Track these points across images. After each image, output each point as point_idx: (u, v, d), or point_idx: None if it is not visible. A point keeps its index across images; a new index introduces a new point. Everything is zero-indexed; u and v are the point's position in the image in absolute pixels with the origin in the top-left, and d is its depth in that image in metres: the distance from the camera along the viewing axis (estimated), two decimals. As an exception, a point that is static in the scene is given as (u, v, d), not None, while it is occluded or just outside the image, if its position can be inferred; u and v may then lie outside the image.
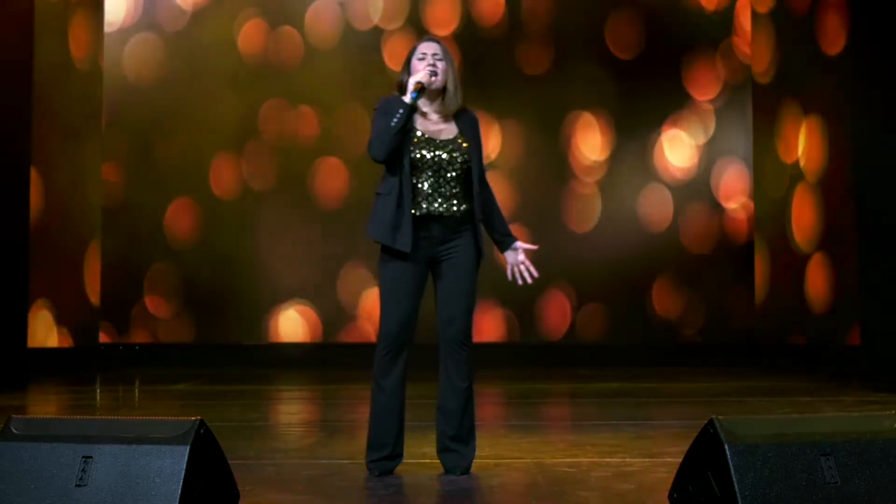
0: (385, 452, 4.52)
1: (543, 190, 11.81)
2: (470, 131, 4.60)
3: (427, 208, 4.48)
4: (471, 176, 4.55)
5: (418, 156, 4.47)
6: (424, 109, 4.58)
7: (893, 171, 9.04)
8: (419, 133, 4.53)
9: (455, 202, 4.51)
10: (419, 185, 4.49)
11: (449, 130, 4.57)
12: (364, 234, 4.59)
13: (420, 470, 4.63)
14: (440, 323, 4.55)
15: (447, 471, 4.53)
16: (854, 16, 9.69)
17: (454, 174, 4.51)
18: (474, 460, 4.59)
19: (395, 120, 4.42)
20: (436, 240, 4.51)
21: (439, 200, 4.49)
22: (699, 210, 11.89)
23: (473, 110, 4.71)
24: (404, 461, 4.60)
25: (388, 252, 4.51)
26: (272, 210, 11.75)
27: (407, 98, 4.44)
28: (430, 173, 4.49)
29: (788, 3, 11.13)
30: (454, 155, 4.50)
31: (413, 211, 4.47)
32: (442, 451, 4.57)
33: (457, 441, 4.54)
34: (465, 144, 4.55)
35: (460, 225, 4.54)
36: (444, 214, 4.49)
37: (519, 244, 4.70)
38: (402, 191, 4.46)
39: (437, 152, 4.49)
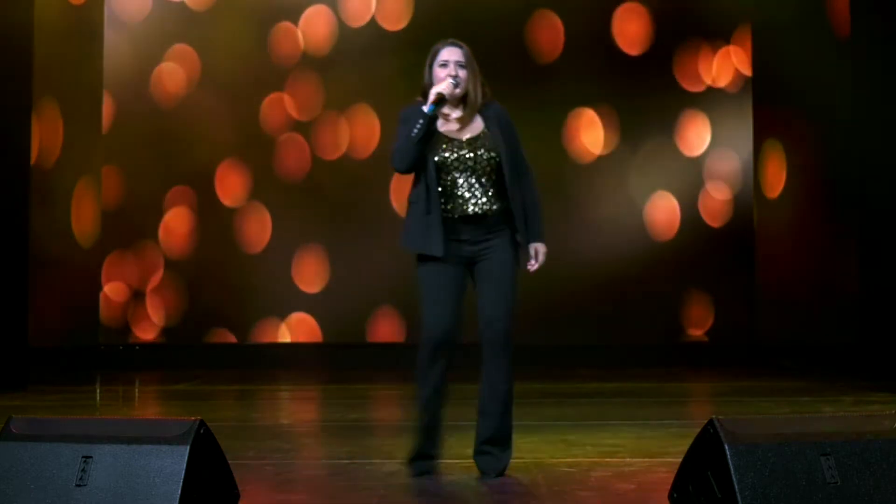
0: (426, 452, 4.53)
1: (543, 187, 11.77)
2: (496, 125, 4.53)
3: (458, 210, 4.44)
4: (503, 172, 4.49)
5: (440, 158, 4.44)
6: (446, 111, 4.52)
7: (894, 170, 9.03)
8: (441, 135, 4.48)
9: (486, 201, 4.46)
10: (448, 188, 4.45)
11: (473, 128, 4.53)
12: (396, 242, 4.59)
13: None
14: (480, 326, 4.53)
15: (483, 473, 4.51)
16: (857, 15, 9.68)
17: (482, 172, 4.46)
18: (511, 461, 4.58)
19: (416, 131, 4.39)
20: (470, 241, 4.47)
21: (470, 201, 4.44)
22: (700, 210, 11.87)
23: (497, 102, 4.63)
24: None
25: (423, 258, 4.48)
26: (273, 211, 11.74)
27: (426, 109, 4.39)
28: (457, 174, 4.45)
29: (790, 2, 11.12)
30: (479, 153, 4.46)
31: (447, 214, 4.44)
32: (477, 452, 4.56)
33: (493, 444, 4.53)
34: (491, 139, 4.49)
35: (496, 224, 4.49)
36: (478, 214, 4.45)
37: (533, 253, 4.58)
38: (430, 196, 4.43)
39: (461, 152, 4.46)
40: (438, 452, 4.58)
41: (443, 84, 4.44)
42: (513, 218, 4.51)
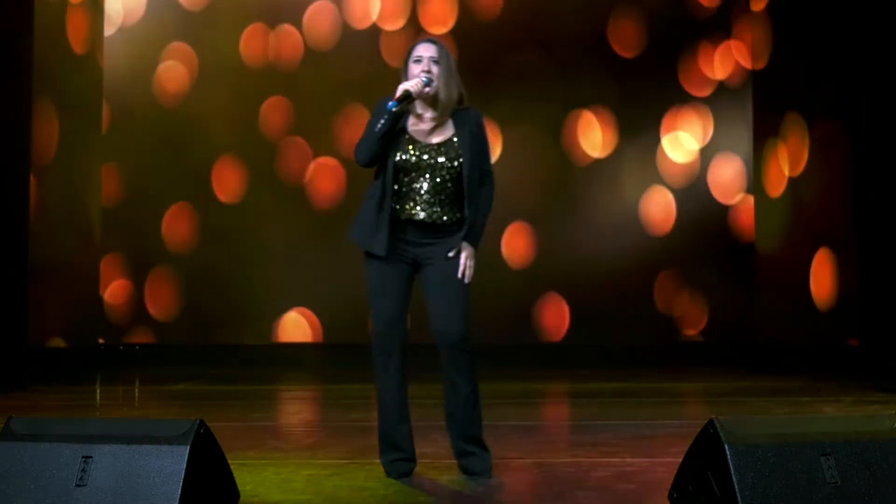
0: (399, 455, 4.49)
1: (543, 189, 11.80)
2: (468, 132, 4.44)
3: (407, 213, 4.38)
4: (462, 182, 4.41)
5: (400, 159, 4.36)
6: (419, 111, 4.45)
7: (893, 170, 9.04)
8: (408, 135, 4.41)
9: (439, 209, 4.39)
10: (404, 189, 4.39)
11: (443, 133, 4.43)
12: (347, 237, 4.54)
13: (421, 471, 4.62)
14: (435, 332, 4.43)
15: (470, 474, 4.47)
16: (855, 15, 9.68)
17: (441, 179, 4.38)
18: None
19: (379, 126, 4.33)
20: (413, 243, 4.41)
21: (421, 207, 4.38)
22: (699, 210, 11.88)
23: (475, 107, 4.54)
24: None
25: (370, 255, 4.43)
26: (273, 211, 11.74)
27: (390, 105, 4.31)
28: (414, 177, 4.38)
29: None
30: (440, 160, 4.38)
31: (396, 215, 4.38)
32: (460, 455, 4.52)
33: (472, 443, 4.49)
34: (458, 147, 4.40)
35: (445, 231, 4.42)
36: (426, 221, 4.39)
37: (461, 260, 4.41)
38: (384, 194, 4.36)
39: (422, 156, 4.38)
40: (413, 455, 4.53)
41: (412, 81, 4.36)
42: (462, 228, 4.43)
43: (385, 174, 4.38)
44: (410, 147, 4.40)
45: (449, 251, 4.42)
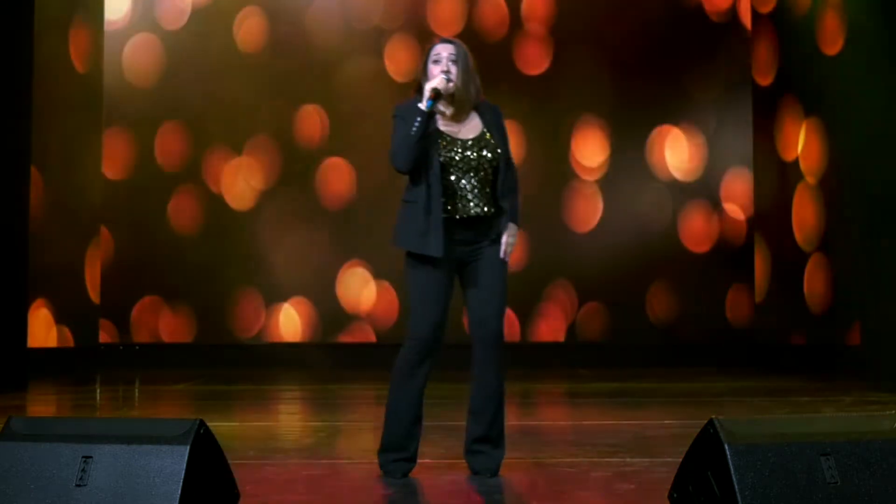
0: (400, 455, 4.49)
1: (543, 190, 11.81)
2: (494, 123, 4.52)
3: (461, 211, 4.40)
4: (498, 174, 4.47)
5: (445, 158, 4.38)
6: (442, 109, 4.48)
7: (893, 170, 9.04)
8: (444, 134, 4.43)
9: (486, 202, 4.43)
10: (450, 188, 4.40)
11: (473, 128, 4.49)
12: (390, 242, 4.49)
13: (421, 471, 4.62)
14: (472, 325, 4.48)
15: (476, 472, 4.47)
16: (853, 16, 9.69)
17: (484, 173, 4.43)
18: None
19: (415, 129, 4.32)
20: (464, 242, 4.44)
21: (473, 202, 4.41)
22: (699, 210, 11.89)
23: (488, 101, 4.60)
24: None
25: (416, 257, 4.42)
26: (273, 210, 11.75)
27: (423, 105, 4.33)
28: (460, 175, 4.41)
29: (789, 3, 11.13)
30: (483, 153, 4.43)
31: (447, 214, 4.38)
32: (469, 452, 4.52)
33: (485, 442, 4.49)
34: (492, 140, 4.47)
35: (489, 226, 4.46)
36: (480, 215, 4.42)
37: (503, 240, 4.51)
38: (431, 195, 4.35)
39: (465, 152, 4.41)
40: (415, 456, 4.53)
41: (436, 80, 4.38)
42: (502, 218, 4.50)
43: (430, 175, 4.38)
44: (450, 145, 4.43)
45: (494, 238, 4.48)
